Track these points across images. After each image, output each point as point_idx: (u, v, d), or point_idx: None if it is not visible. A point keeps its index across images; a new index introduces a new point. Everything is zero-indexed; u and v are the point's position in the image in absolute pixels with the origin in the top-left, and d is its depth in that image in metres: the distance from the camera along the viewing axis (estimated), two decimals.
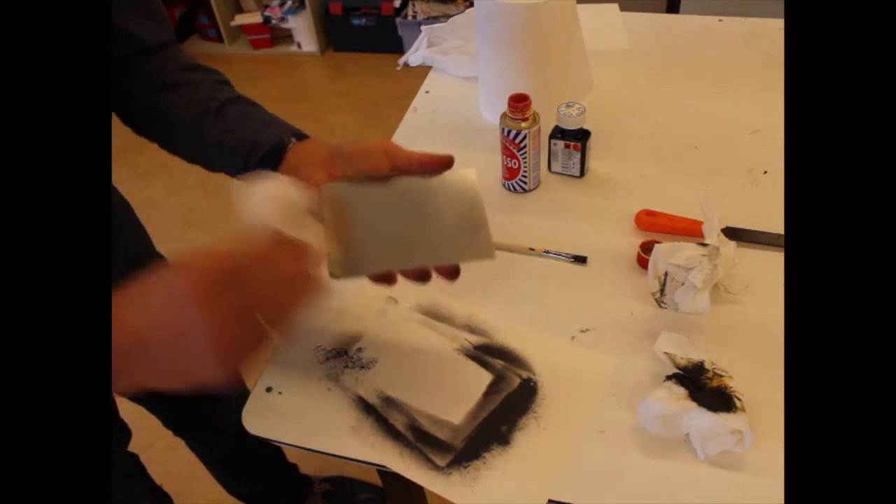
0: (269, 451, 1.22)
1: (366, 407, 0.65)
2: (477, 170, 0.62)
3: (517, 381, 0.66)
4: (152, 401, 0.96)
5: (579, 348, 0.68)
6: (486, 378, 0.66)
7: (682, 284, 0.65)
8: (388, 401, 0.65)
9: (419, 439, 0.62)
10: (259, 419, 0.65)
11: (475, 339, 0.70)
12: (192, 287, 0.43)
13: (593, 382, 0.65)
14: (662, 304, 0.67)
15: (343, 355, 0.69)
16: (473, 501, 0.58)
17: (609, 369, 0.66)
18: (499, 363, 0.68)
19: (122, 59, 0.67)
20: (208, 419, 1.02)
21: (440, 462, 0.61)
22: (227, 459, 1.14)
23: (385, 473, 0.86)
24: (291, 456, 1.30)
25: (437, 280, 0.61)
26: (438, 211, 0.60)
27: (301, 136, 0.67)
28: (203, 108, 0.68)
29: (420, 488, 1.04)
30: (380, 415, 0.64)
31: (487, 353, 0.68)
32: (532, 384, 0.66)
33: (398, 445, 0.62)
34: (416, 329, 0.71)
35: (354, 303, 0.74)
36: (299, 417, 0.65)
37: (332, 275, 0.57)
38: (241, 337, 0.45)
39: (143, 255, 0.86)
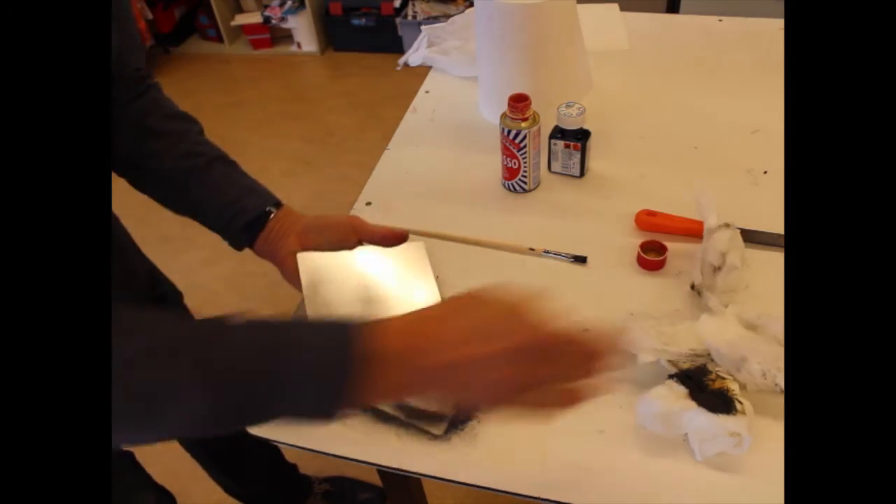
0: (267, 452, 1.21)
1: None
2: (423, 243, 0.75)
3: None
4: None
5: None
6: None
7: (720, 268, 0.68)
8: None
9: (411, 415, 0.64)
10: None
11: None
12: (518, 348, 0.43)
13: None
14: (704, 294, 0.69)
15: None
16: (479, 458, 0.60)
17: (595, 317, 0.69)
18: None
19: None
20: None
21: (437, 431, 0.63)
22: (223, 460, 1.14)
23: (385, 473, 0.86)
24: (291, 456, 1.30)
25: None
26: (395, 274, 0.72)
27: (279, 205, 0.73)
28: (190, 164, 0.71)
29: (420, 487, 1.04)
30: None
31: None
32: None
33: (392, 427, 0.63)
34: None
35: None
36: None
37: None
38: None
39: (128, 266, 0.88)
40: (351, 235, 0.70)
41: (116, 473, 0.81)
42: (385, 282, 0.71)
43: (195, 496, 1.39)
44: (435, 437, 0.62)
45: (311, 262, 0.70)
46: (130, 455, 0.94)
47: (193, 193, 0.72)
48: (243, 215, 0.71)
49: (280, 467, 1.26)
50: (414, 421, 0.63)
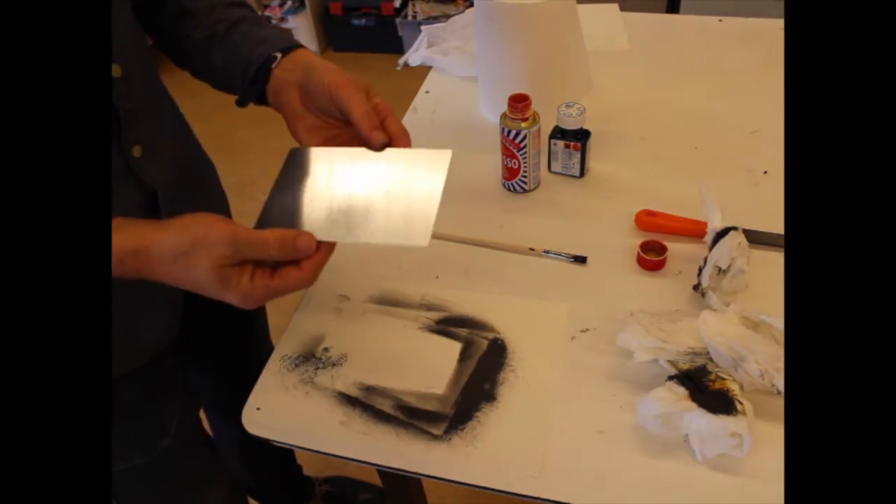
0: (286, 452, 1.22)
1: (349, 400, 0.66)
2: (450, 153, 0.61)
3: (485, 343, 0.70)
4: (200, 378, 0.97)
5: (529, 301, 0.73)
6: (455, 347, 0.70)
7: (726, 271, 0.69)
8: (370, 389, 0.67)
9: (411, 416, 0.64)
10: (259, 420, 0.65)
11: (435, 315, 0.73)
12: (206, 275, 0.51)
13: (550, 326, 0.71)
14: (707, 294, 0.69)
15: (311, 359, 0.70)
16: (479, 458, 0.60)
17: (559, 315, 0.72)
18: (463, 331, 0.71)
19: None
20: (238, 399, 1.01)
21: (437, 431, 0.63)
22: (249, 449, 1.14)
23: (385, 473, 0.86)
24: (298, 458, 1.30)
25: (384, 269, 0.66)
26: (394, 189, 0.59)
27: (291, 48, 0.67)
28: (212, 32, 0.69)
29: (420, 487, 1.04)
30: (365, 404, 0.65)
31: (450, 325, 0.72)
32: (500, 342, 0.70)
33: (392, 427, 0.63)
34: (375, 318, 0.73)
35: (308, 307, 0.76)
36: (287, 425, 0.65)
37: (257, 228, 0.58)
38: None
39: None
40: (332, 107, 0.63)
41: (190, 458, 0.81)
42: (375, 196, 0.59)
43: None
44: (435, 437, 0.62)
45: (302, 157, 0.63)
46: (209, 443, 0.94)
47: (215, 59, 0.70)
48: (250, 69, 0.67)
49: (290, 466, 1.26)
50: (414, 421, 0.63)
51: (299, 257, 0.54)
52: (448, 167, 0.60)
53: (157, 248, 0.52)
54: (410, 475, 0.62)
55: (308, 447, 0.63)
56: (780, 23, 1.15)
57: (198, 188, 0.79)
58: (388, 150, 0.61)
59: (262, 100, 0.68)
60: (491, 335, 0.70)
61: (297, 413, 0.66)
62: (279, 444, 0.64)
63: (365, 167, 0.61)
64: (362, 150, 0.61)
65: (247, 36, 0.69)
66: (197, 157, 0.82)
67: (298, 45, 0.68)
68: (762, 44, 1.11)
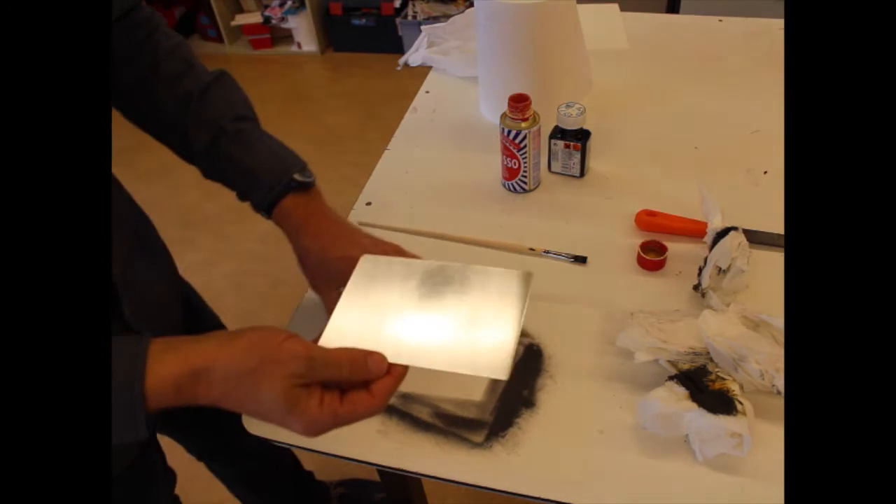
0: (288, 463, 1.21)
1: (387, 409, 0.65)
2: (533, 275, 0.57)
3: (522, 348, 0.69)
4: (180, 431, 0.95)
5: (563, 306, 0.72)
6: None
7: (726, 271, 0.69)
8: (406, 397, 0.66)
9: (450, 424, 0.63)
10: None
11: None
12: (275, 395, 0.47)
13: (586, 330, 0.70)
14: (707, 294, 0.69)
15: None
16: (522, 466, 0.60)
17: (595, 316, 0.71)
18: None
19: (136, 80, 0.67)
20: (232, 443, 1.00)
21: (477, 439, 0.62)
22: (252, 478, 1.14)
23: (385, 473, 0.86)
24: (306, 463, 1.30)
25: None
26: (470, 314, 0.55)
27: (298, 184, 0.69)
28: (190, 143, 0.68)
29: (420, 487, 1.04)
30: (403, 412, 0.65)
31: None
32: (536, 348, 0.69)
33: (430, 435, 0.63)
34: None
35: None
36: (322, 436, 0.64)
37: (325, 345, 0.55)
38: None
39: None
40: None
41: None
42: (448, 320, 0.55)
43: (195, 496, 1.39)
44: (476, 444, 0.62)
45: (373, 267, 0.60)
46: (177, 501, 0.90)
47: (205, 172, 0.68)
48: (259, 191, 0.67)
49: (299, 476, 1.26)
50: (453, 429, 0.63)
51: (370, 378, 0.50)
52: (529, 292, 0.56)
53: (221, 368, 0.47)
54: (410, 475, 0.62)
55: (309, 447, 0.63)
56: (780, 23, 1.16)
57: (145, 258, 0.74)
58: (470, 266, 0.58)
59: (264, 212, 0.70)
60: (526, 340, 0.70)
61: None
62: (284, 445, 0.64)
63: (441, 286, 0.57)
64: (440, 265, 0.58)
65: (234, 164, 0.68)
66: (136, 220, 0.77)
67: (285, 190, 0.68)
68: (762, 44, 1.12)
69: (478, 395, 0.65)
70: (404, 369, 0.52)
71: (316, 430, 0.49)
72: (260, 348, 0.48)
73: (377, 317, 0.56)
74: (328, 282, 0.64)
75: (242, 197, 0.69)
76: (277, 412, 0.48)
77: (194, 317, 0.91)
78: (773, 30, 1.15)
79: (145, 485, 0.75)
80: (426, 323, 0.55)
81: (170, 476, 0.82)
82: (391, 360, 0.51)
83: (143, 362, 0.47)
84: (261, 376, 0.47)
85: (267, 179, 0.67)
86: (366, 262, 0.60)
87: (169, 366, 0.47)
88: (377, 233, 0.84)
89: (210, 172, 0.69)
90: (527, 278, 0.57)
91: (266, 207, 0.68)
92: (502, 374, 0.51)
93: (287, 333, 0.49)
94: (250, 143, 0.69)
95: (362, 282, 0.59)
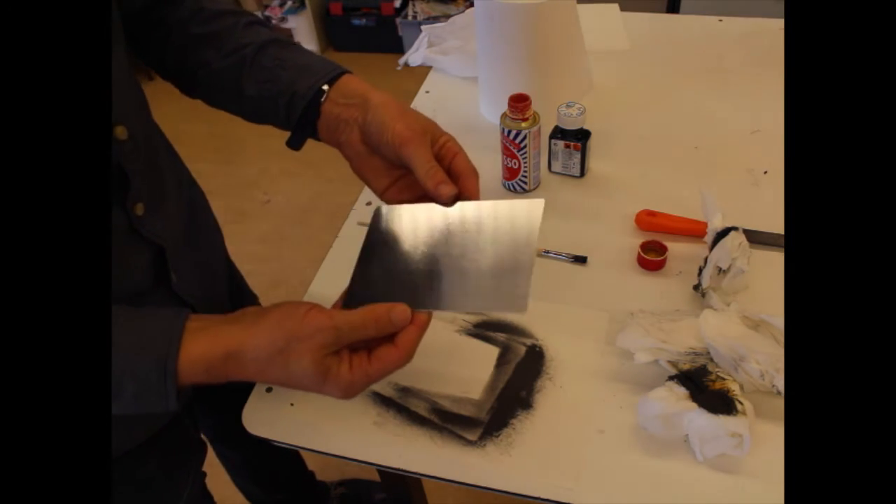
0: (294, 460, 1.22)
1: (384, 401, 0.65)
2: (543, 201, 0.57)
3: (523, 349, 0.69)
4: (201, 410, 0.96)
5: (563, 306, 0.72)
6: (493, 351, 0.69)
7: (726, 272, 0.69)
8: (405, 391, 0.66)
9: (446, 420, 0.63)
10: (261, 420, 0.65)
11: (473, 318, 0.72)
12: (306, 369, 0.50)
13: (590, 335, 0.70)
14: (707, 294, 0.69)
15: None
16: (513, 466, 0.60)
17: (595, 317, 0.71)
18: (501, 336, 0.70)
19: (146, 7, 0.65)
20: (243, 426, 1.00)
21: (472, 437, 0.62)
22: (258, 468, 1.14)
23: (384, 473, 0.86)
24: (310, 464, 1.30)
25: None
26: (485, 248, 0.55)
27: (336, 77, 0.62)
28: (237, 58, 0.63)
29: (420, 487, 1.04)
30: (400, 405, 0.65)
31: (488, 329, 0.71)
32: (538, 349, 0.69)
33: (426, 430, 0.63)
34: None
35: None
36: (319, 424, 0.64)
37: (347, 305, 0.56)
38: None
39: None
40: (397, 159, 0.59)
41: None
42: (466, 257, 0.55)
43: None
44: (469, 442, 0.62)
45: (389, 217, 0.60)
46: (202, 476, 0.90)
47: (247, 88, 0.63)
48: (298, 101, 0.62)
49: (302, 474, 1.26)
50: (448, 425, 0.63)
51: (395, 330, 0.52)
52: (541, 218, 0.56)
53: (252, 349, 0.50)
54: (410, 475, 0.62)
55: (332, 451, 0.62)
56: (780, 23, 1.16)
57: (199, 231, 0.75)
58: (475, 203, 0.58)
59: (313, 135, 0.65)
60: (529, 341, 0.70)
61: (328, 413, 0.65)
62: (284, 445, 0.64)
63: (452, 227, 0.57)
64: (451, 204, 0.57)
65: (283, 63, 0.63)
66: (192, 193, 0.78)
67: (343, 71, 0.63)
68: (762, 44, 1.11)
69: (476, 393, 0.65)
70: (428, 316, 0.53)
71: (352, 392, 0.52)
72: (285, 326, 0.50)
73: (396, 267, 0.57)
74: (384, 160, 0.61)
75: (287, 89, 0.62)
76: (312, 383, 0.50)
77: (238, 293, 0.93)
78: (773, 30, 1.15)
79: (179, 449, 0.76)
80: (444, 267, 0.55)
81: (202, 445, 0.82)
82: (414, 308, 0.52)
83: (179, 340, 0.49)
84: (290, 354, 0.49)
85: (323, 66, 0.63)
86: (378, 216, 0.60)
87: (201, 346, 0.50)
88: None
89: (252, 73, 0.64)
90: (538, 206, 0.56)
91: (318, 90, 0.62)
92: (521, 308, 0.52)
93: (309, 305, 0.51)
94: (299, 49, 0.66)
95: (377, 234, 0.59)
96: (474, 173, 0.59)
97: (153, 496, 0.72)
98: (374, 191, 0.63)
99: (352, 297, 0.56)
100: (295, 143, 0.65)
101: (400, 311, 0.51)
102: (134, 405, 0.50)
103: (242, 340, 0.50)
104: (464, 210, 0.58)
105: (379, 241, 0.59)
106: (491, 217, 0.57)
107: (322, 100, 0.61)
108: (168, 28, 0.65)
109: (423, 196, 0.59)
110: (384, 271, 0.57)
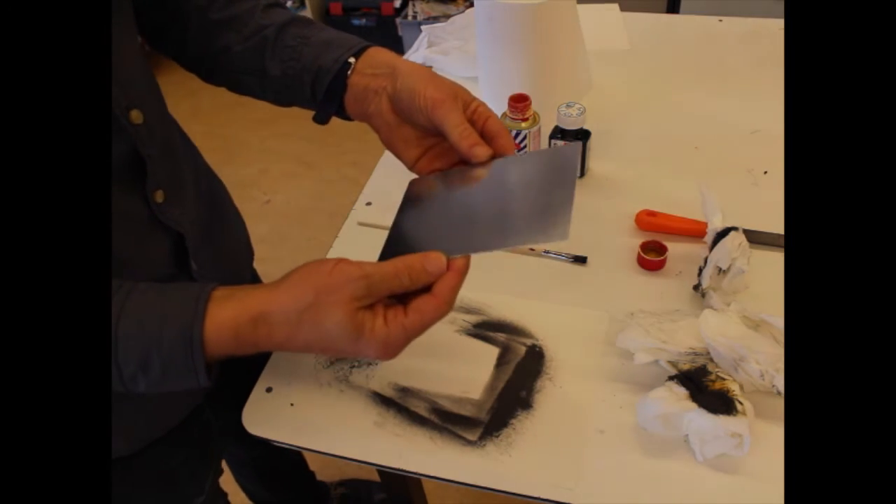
0: (297, 459, 1.22)
1: (384, 401, 0.65)
2: (578, 144, 0.56)
3: (523, 349, 0.69)
4: (212, 407, 0.96)
5: (563, 306, 0.72)
6: (493, 352, 0.69)
7: (726, 272, 0.68)
8: (405, 391, 0.66)
9: (445, 420, 0.63)
10: (261, 420, 0.65)
11: (473, 319, 0.72)
12: (340, 324, 0.47)
13: (590, 335, 0.69)
14: (707, 294, 0.69)
15: (347, 357, 0.69)
16: (513, 466, 0.60)
17: (595, 317, 0.71)
18: (501, 336, 0.70)
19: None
20: None
21: (471, 437, 0.62)
22: (262, 467, 1.13)
23: (384, 473, 0.86)
24: (310, 464, 1.30)
25: None
26: (522, 191, 0.54)
27: (362, 49, 0.62)
28: (259, 39, 0.63)
29: (420, 487, 1.04)
30: (400, 405, 0.65)
31: (488, 329, 0.71)
32: (538, 349, 0.69)
33: (426, 430, 0.63)
34: None
35: None
36: (319, 424, 0.64)
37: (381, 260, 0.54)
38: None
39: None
40: (429, 124, 0.57)
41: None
42: (501, 203, 0.54)
43: None
44: (470, 442, 0.62)
45: (422, 188, 0.58)
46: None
47: (271, 69, 0.63)
48: (323, 76, 0.61)
49: (304, 475, 1.26)
50: (448, 425, 0.63)
51: (431, 280, 0.49)
52: (579, 158, 0.54)
53: (279, 310, 0.47)
54: (410, 475, 0.62)
55: (333, 452, 0.62)
56: (780, 23, 1.16)
57: (219, 220, 0.75)
58: (509, 157, 0.57)
59: (339, 112, 0.63)
60: (529, 341, 0.69)
61: (328, 412, 0.65)
62: (285, 445, 0.64)
63: (489, 179, 0.56)
64: (478, 167, 0.57)
65: (306, 40, 0.63)
66: (211, 183, 0.77)
67: (368, 45, 0.62)
68: (762, 44, 1.12)
69: (476, 393, 0.65)
70: (465, 261, 0.50)
71: (391, 350, 0.48)
72: (312, 279, 0.48)
73: (431, 223, 0.55)
74: (415, 129, 0.60)
75: (312, 65, 0.62)
76: (347, 341, 0.47)
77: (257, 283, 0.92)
78: (773, 30, 1.15)
79: (202, 442, 0.76)
80: (482, 211, 0.53)
81: (223, 439, 0.82)
82: (450, 255, 0.50)
83: (204, 307, 0.47)
84: (321, 308, 0.46)
85: (347, 41, 0.63)
86: (411, 187, 0.59)
87: (228, 312, 0.47)
88: (377, 233, 0.84)
89: (275, 53, 0.63)
90: (575, 147, 0.56)
91: (345, 63, 0.61)
92: (562, 236, 0.50)
93: (336, 259, 0.48)
94: (321, 27, 0.66)
95: (412, 201, 0.58)
96: (508, 133, 0.58)
97: (176, 490, 0.72)
98: (405, 162, 0.62)
99: (386, 255, 0.54)
100: (321, 118, 0.64)
101: (434, 258, 0.49)
102: (162, 381, 0.48)
103: (270, 300, 0.48)
104: (498, 165, 0.56)
105: (413, 204, 0.57)
106: (527, 164, 0.56)
107: (349, 73, 0.60)
108: (187, 15, 0.65)
109: (455, 165, 0.59)
110: (419, 228, 0.55)
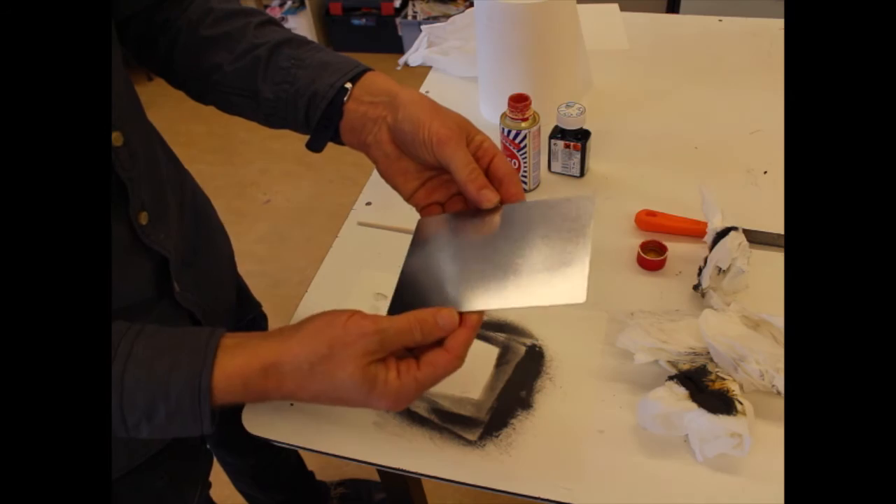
0: (295, 461, 1.22)
1: None
2: (594, 196, 0.56)
3: (523, 349, 0.69)
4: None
5: (563, 306, 0.70)
6: (493, 351, 0.69)
7: (726, 272, 0.69)
8: None
9: (445, 420, 0.63)
10: (261, 420, 0.65)
11: None
12: (352, 378, 0.46)
13: (586, 330, 0.70)
14: (707, 294, 0.69)
15: None
16: (513, 466, 0.60)
17: (595, 317, 0.71)
18: (501, 336, 0.70)
19: (149, 7, 0.63)
20: (248, 434, 1.00)
21: (471, 437, 0.62)
22: (259, 473, 1.13)
23: (384, 473, 0.86)
24: (307, 464, 1.30)
25: None
26: (535, 245, 0.53)
27: (359, 75, 0.60)
28: (251, 59, 0.60)
29: (420, 487, 1.04)
30: None
31: (488, 329, 0.71)
32: (538, 349, 0.69)
33: (426, 430, 0.63)
34: None
35: (344, 304, 0.74)
36: (319, 424, 0.64)
37: (392, 313, 0.53)
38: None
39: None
40: (432, 159, 0.55)
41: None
42: (513, 257, 0.53)
43: None
44: (470, 442, 0.62)
45: (432, 228, 0.57)
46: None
47: (263, 91, 0.60)
48: (319, 102, 0.59)
49: (303, 476, 1.26)
50: (448, 425, 0.63)
51: (443, 335, 0.49)
52: (593, 212, 0.53)
53: (290, 361, 0.47)
54: (410, 475, 0.62)
55: (333, 452, 0.62)
56: (780, 23, 1.16)
57: (205, 240, 0.74)
58: (521, 203, 0.55)
59: (333, 137, 0.61)
60: (529, 341, 0.69)
61: (328, 412, 0.65)
62: (284, 445, 0.64)
63: (499, 229, 0.55)
64: (488, 212, 0.55)
65: (301, 62, 0.60)
66: (196, 199, 0.75)
67: (365, 69, 0.60)
68: (762, 44, 1.12)
69: (476, 393, 0.65)
70: (478, 317, 0.50)
71: (402, 402, 0.48)
72: (326, 333, 0.47)
73: (442, 272, 0.54)
74: (415, 162, 0.58)
75: (306, 89, 0.59)
76: (358, 394, 0.47)
77: (242, 302, 0.91)
78: (773, 30, 1.15)
79: (187, 461, 0.75)
80: (493, 266, 0.52)
81: (209, 456, 0.81)
82: (462, 309, 0.50)
83: (213, 356, 0.47)
84: (333, 361, 0.46)
85: (344, 64, 0.60)
86: (420, 228, 0.58)
87: (238, 361, 0.47)
88: (377, 233, 0.84)
89: (268, 75, 0.61)
90: (590, 200, 0.54)
91: (341, 89, 0.59)
92: (579, 297, 0.49)
93: (350, 312, 0.48)
94: (317, 47, 0.63)
95: (421, 244, 0.57)
96: (516, 177, 0.56)
97: None
98: (402, 194, 0.60)
99: (396, 305, 0.54)
100: (316, 146, 0.62)
101: (446, 313, 0.49)
102: (166, 428, 0.47)
103: (282, 351, 0.47)
104: (509, 211, 0.55)
105: (423, 250, 0.57)
106: (539, 215, 0.55)
107: (345, 99, 0.58)
108: (176, 31, 0.63)
109: (453, 197, 0.58)
110: (429, 276, 0.54)
